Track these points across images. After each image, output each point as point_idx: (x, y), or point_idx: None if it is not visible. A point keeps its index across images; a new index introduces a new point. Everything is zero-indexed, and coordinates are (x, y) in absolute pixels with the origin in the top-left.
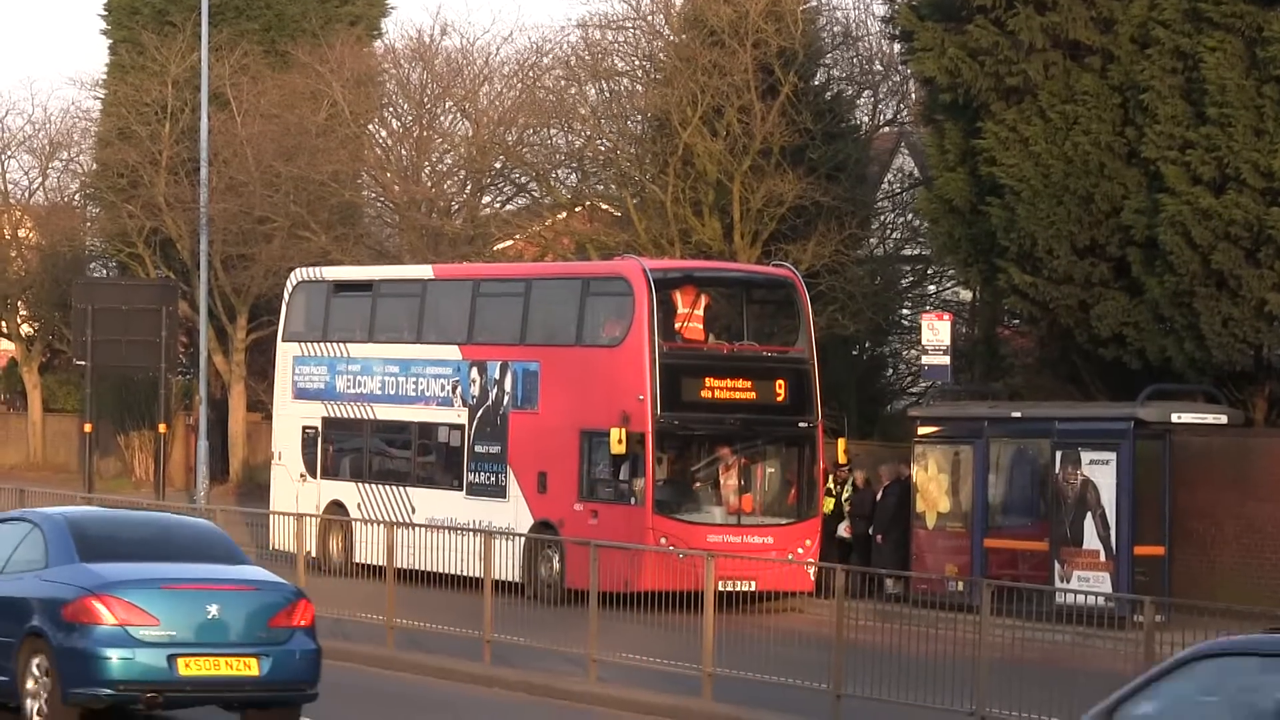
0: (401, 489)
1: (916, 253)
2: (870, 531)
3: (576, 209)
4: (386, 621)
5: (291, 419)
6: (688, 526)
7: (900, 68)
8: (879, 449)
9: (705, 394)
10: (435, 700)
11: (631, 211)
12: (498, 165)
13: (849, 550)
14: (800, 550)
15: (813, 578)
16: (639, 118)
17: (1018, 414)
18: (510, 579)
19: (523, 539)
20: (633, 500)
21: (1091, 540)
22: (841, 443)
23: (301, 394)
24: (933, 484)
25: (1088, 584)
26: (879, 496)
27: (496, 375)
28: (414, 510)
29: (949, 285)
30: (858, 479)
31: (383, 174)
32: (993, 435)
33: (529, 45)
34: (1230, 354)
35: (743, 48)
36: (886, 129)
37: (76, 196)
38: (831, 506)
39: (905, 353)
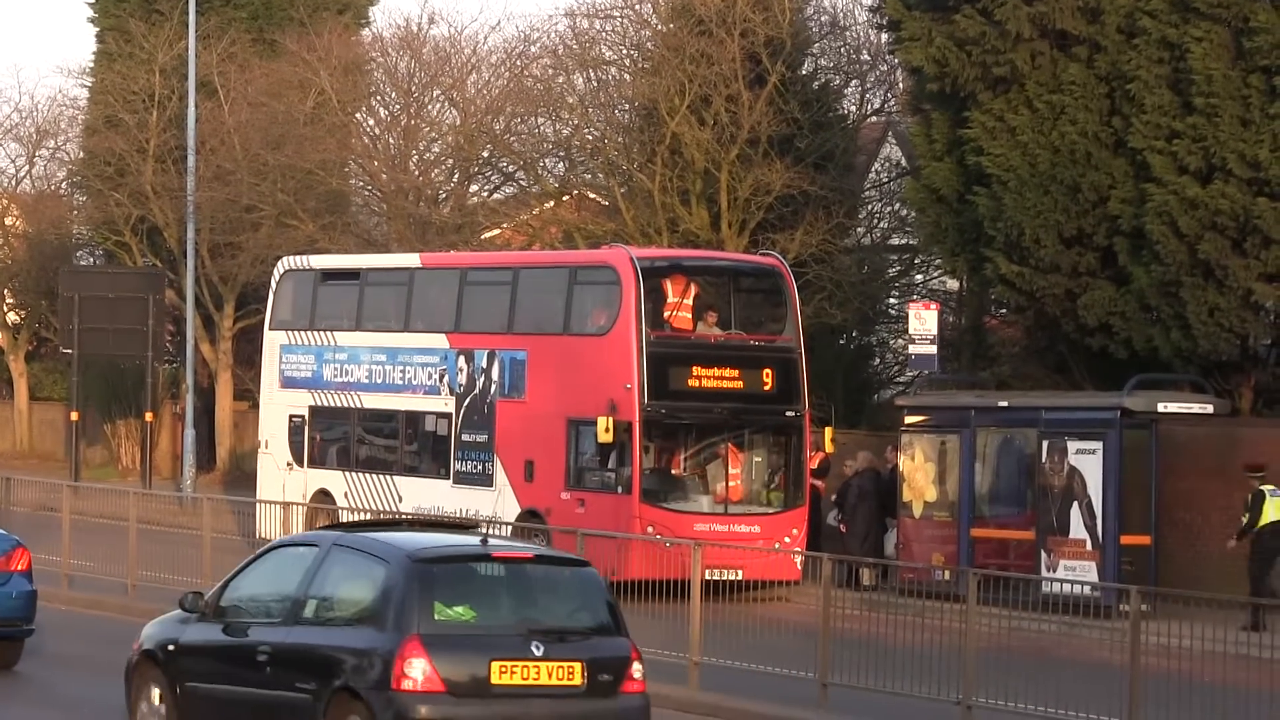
0: (388, 478)
1: (904, 242)
2: (834, 519)
3: (564, 198)
4: None
5: (278, 407)
6: (675, 515)
7: (887, 57)
8: (866, 438)
9: (693, 383)
10: None
11: (619, 200)
12: (485, 154)
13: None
14: (787, 539)
15: (799, 567)
16: (627, 107)
17: (1004, 403)
18: None
19: (509, 528)
20: (620, 489)
21: (1078, 530)
22: (828, 432)
23: (288, 382)
24: (919, 473)
25: (1074, 573)
26: (845, 484)
27: (484, 364)
28: (401, 499)
29: (936, 274)
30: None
31: (370, 162)
32: (980, 425)
33: (517, 34)
34: (1216, 344)
35: (730, 37)
36: (874, 118)
37: (63, 185)
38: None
39: (892, 342)
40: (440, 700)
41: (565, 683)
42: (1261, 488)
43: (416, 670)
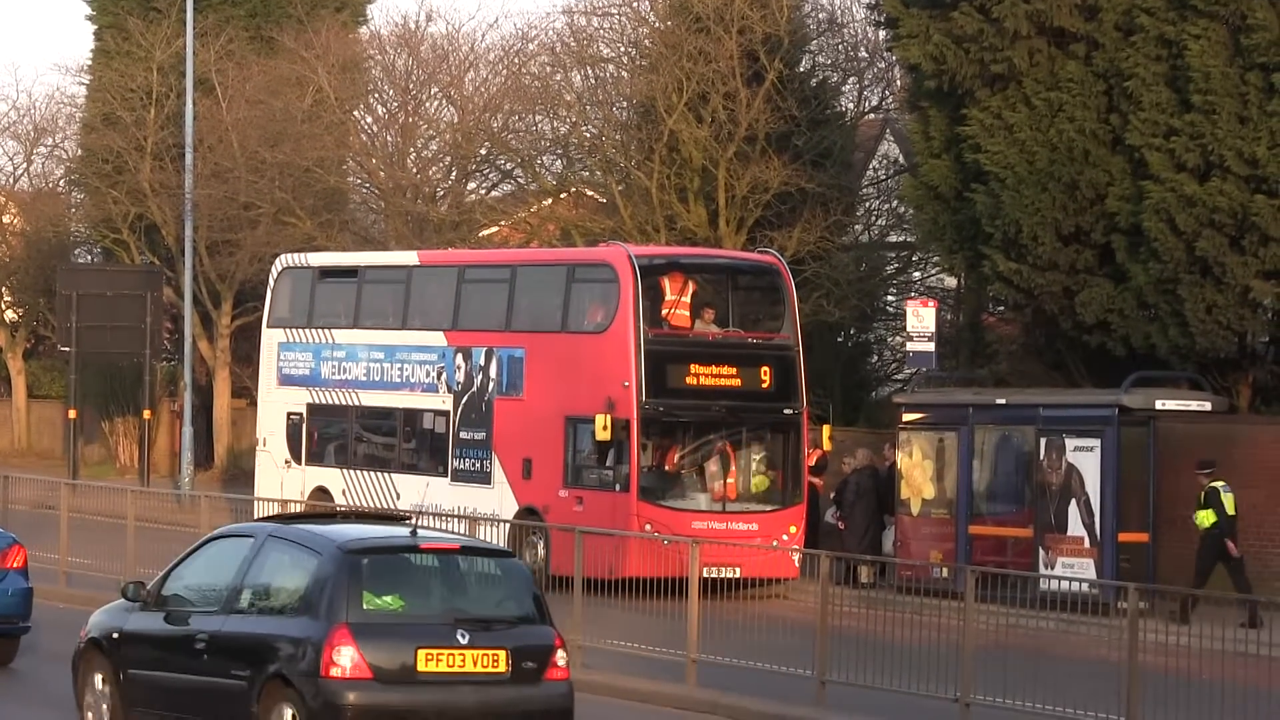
0: (386, 475)
1: (901, 239)
2: (832, 517)
3: (562, 195)
4: None
5: (276, 405)
6: (672, 513)
7: (885, 54)
8: (864, 435)
9: (690, 380)
10: None
11: (617, 198)
12: (483, 151)
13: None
14: (785, 537)
15: (797, 564)
16: (624, 104)
17: (1002, 401)
18: None
19: (507, 525)
20: (618, 487)
21: (1076, 527)
22: (826, 429)
23: (286, 380)
24: (917, 470)
25: (1072, 570)
26: (843, 482)
27: (481, 361)
28: (399, 496)
29: (934, 272)
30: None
31: (368, 160)
32: (977, 422)
33: (514, 32)
34: (1214, 341)
35: (728, 34)
36: (871, 115)
37: (61, 182)
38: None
39: (890, 339)
40: (368, 687)
41: (490, 670)
42: (1213, 484)
43: (345, 658)
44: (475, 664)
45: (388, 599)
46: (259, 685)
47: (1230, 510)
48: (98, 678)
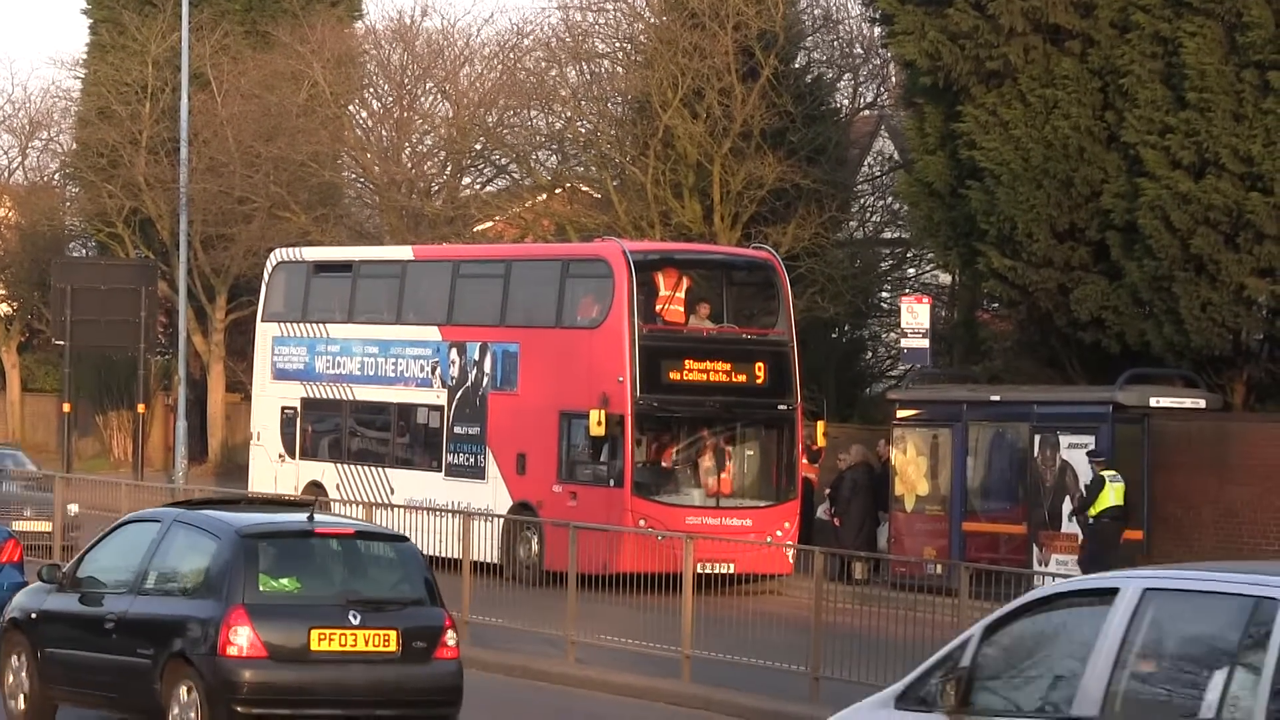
0: (380, 470)
1: (896, 236)
2: (827, 513)
3: (557, 191)
4: None
5: (270, 399)
6: (667, 508)
7: (880, 51)
8: (858, 432)
9: (685, 376)
10: None
11: (612, 193)
12: (478, 146)
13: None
14: (779, 532)
15: (791, 560)
16: (619, 100)
17: (996, 397)
18: (489, 560)
19: (501, 520)
20: (612, 482)
21: (1070, 524)
22: (820, 425)
23: (281, 374)
24: (911, 467)
25: (1066, 567)
26: (838, 478)
27: (476, 356)
28: (393, 491)
29: (928, 268)
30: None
31: (363, 155)
32: (971, 419)
33: (510, 27)
34: (1209, 338)
35: (723, 30)
36: (866, 112)
37: (56, 176)
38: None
39: (884, 336)
40: (262, 665)
41: (381, 649)
42: (1101, 473)
43: (241, 638)
44: (367, 643)
45: (284, 581)
46: (162, 663)
47: (1106, 503)
48: (17, 657)
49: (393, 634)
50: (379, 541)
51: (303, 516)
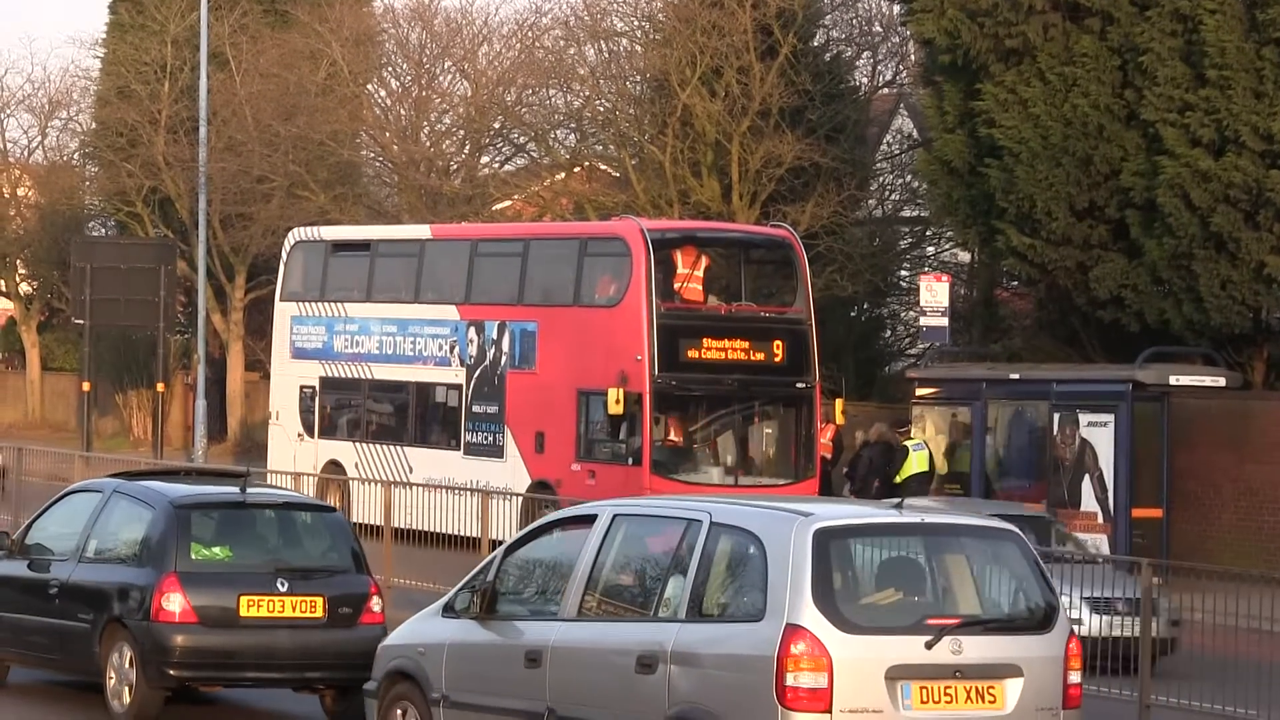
0: (399, 448)
1: (915, 214)
2: (847, 491)
3: (575, 169)
4: (384, 580)
5: (289, 378)
6: (685, 487)
7: (899, 29)
8: (876, 410)
9: (703, 354)
10: None
11: (630, 172)
12: (496, 125)
13: None
14: None
15: None
16: (638, 78)
17: (1016, 376)
18: (508, 538)
19: (520, 499)
20: (630, 460)
21: (1089, 502)
22: (839, 403)
23: (299, 353)
24: (930, 445)
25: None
26: (856, 455)
27: (494, 335)
28: (411, 470)
29: (947, 247)
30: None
31: (381, 134)
32: (991, 397)
33: (528, 5)
34: (1229, 316)
35: (742, 8)
36: (885, 90)
37: (75, 155)
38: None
39: (903, 314)
40: (193, 630)
41: (307, 615)
42: (905, 443)
43: (173, 603)
44: (293, 609)
45: (215, 550)
46: (101, 627)
47: (910, 470)
48: None
49: (319, 600)
50: (308, 512)
51: (236, 488)
